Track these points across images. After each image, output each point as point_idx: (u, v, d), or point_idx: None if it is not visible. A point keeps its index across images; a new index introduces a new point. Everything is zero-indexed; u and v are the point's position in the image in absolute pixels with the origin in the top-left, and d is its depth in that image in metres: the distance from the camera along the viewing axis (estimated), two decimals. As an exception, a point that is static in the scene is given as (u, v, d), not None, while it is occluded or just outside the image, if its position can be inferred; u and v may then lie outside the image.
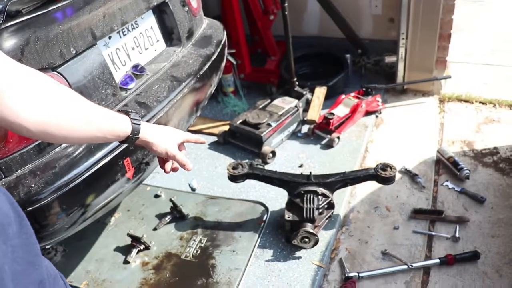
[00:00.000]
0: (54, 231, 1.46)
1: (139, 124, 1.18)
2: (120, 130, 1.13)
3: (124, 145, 1.59)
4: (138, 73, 1.88)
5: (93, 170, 1.50)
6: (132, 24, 1.90)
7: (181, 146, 1.37)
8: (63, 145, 1.48)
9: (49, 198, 1.38)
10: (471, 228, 2.18)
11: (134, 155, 1.67)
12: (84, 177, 1.47)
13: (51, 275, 1.08)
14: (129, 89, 1.81)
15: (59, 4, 1.47)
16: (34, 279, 0.97)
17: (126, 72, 1.85)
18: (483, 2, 4.71)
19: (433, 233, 2.16)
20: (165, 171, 1.38)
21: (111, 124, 1.10)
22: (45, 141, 1.42)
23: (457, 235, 2.12)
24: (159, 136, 1.27)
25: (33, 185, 1.36)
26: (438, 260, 2.00)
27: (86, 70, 1.58)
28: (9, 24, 1.32)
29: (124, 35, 1.86)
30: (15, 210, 0.91)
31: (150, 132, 1.23)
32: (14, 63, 0.89)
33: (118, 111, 1.21)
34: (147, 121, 1.71)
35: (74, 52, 1.53)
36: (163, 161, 1.38)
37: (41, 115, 0.91)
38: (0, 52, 0.86)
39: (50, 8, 1.44)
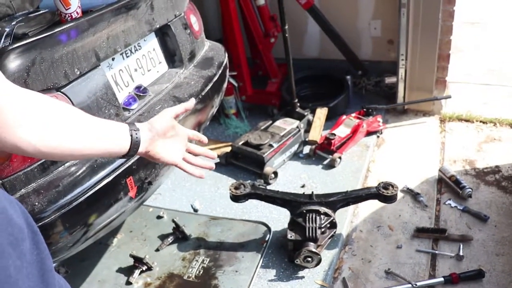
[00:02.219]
0: (56, 250, 1.46)
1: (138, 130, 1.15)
2: (121, 139, 1.11)
3: (127, 164, 1.61)
4: (141, 94, 1.91)
5: (96, 188, 1.51)
6: (135, 46, 1.94)
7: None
8: (67, 164, 1.50)
9: (52, 217, 1.39)
10: (475, 247, 2.16)
11: (137, 174, 1.68)
12: (87, 195, 1.48)
13: None
14: (132, 109, 1.84)
15: (64, 27, 1.51)
16: None
17: (129, 93, 1.88)
18: (481, 24, 4.77)
19: (436, 252, 2.15)
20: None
21: (112, 139, 1.08)
22: (48, 160, 1.43)
23: (461, 253, 2.10)
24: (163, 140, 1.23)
25: (36, 203, 1.37)
26: (442, 279, 1.98)
27: (90, 90, 1.61)
28: (16, 45, 1.36)
29: (127, 56, 1.89)
30: (29, 225, 0.90)
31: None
32: (12, 86, 0.89)
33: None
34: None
35: (78, 73, 1.56)
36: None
37: (42, 136, 0.91)
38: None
39: (55, 30, 1.47)
